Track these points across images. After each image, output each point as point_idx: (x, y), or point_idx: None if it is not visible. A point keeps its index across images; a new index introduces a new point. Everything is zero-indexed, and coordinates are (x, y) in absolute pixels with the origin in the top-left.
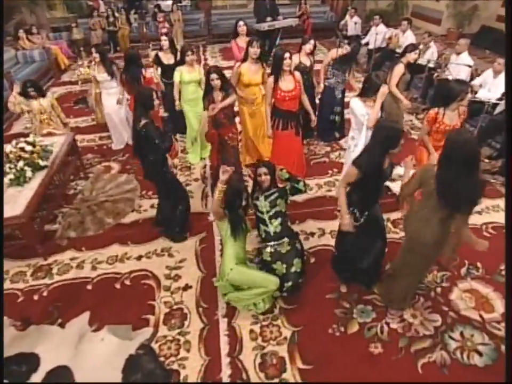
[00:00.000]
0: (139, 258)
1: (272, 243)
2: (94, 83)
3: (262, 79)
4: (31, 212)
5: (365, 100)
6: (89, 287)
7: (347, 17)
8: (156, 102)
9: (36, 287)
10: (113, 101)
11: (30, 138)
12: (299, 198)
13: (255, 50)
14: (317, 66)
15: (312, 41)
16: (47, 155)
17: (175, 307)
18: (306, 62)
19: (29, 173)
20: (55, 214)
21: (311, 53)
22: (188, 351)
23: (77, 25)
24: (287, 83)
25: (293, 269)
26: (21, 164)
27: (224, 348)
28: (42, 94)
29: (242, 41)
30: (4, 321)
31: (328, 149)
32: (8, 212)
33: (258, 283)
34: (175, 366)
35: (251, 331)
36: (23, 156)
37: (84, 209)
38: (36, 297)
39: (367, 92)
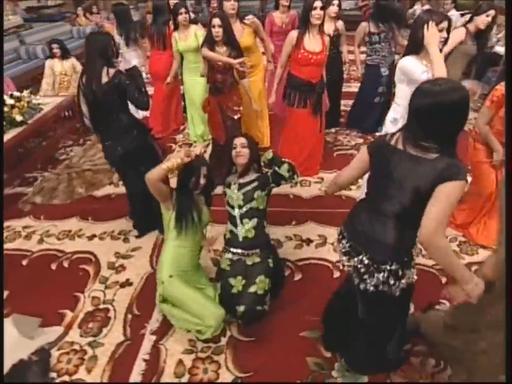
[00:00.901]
0: (91, 237)
1: (239, 251)
2: None
3: (251, 40)
4: None
5: (420, 58)
6: (24, 262)
7: (417, 5)
8: None
9: None
10: (128, 66)
11: (17, 93)
12: (305, 193)
13: (231, 4)
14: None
15: (336, 1)
16: (31, 112)
17: (101, 306)
18: (330, 29)
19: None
20: (35, 177)
21: (337, 17)
22: (89, 371)
23: (137, 8)
24: (314, 42)
25: (251, 289)
26: None
27: (135, 379)
28: (67, 56)
29: None
30: None
31: (361, 140)
32: None
33: (192, 311)
34: None
35: (179, 362)
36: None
37: (63, 176)
38: None
39: (416, 46)
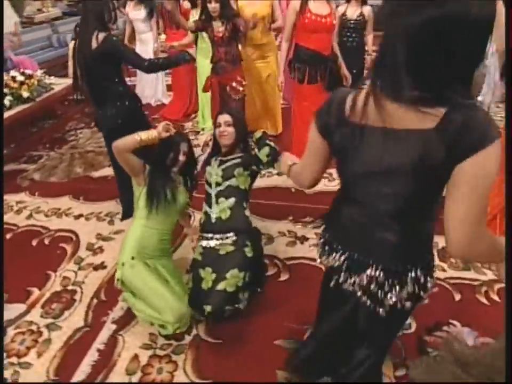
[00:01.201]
0: (78, 217)
1: (210, 235)
2: (128, 24)
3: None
4: None
5: None
6: (8, 236)
7: None
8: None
9: None
10: (148, 49)
11: (29, 72)
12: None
13: None
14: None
15: None
16: (41, 90)
17: (70, 287)
18: (353, 14)
19: (6, 102)
20: (41, 155)
21: (364, 1)
22: (39, 356)
23: None
24: (320, 6)
25: (220, 286)
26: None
27: (83, 370)
28: None
29: None
30: None
31: None
32: None
33: (151, 303)
34: (9, 371)
35: (134, 358)
36: (11, 85)
37: (67, 156)
38: None
39: None
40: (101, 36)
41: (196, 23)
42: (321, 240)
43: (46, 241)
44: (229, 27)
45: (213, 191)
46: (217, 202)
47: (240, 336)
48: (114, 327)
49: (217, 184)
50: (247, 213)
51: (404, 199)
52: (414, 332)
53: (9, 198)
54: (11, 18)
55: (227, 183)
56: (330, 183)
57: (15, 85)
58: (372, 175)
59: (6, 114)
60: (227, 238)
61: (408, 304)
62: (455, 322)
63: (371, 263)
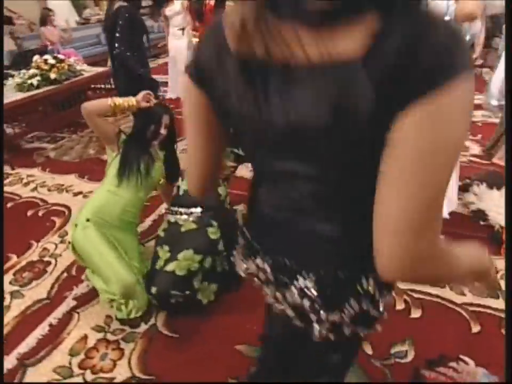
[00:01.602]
0: (77, 194)
1: (175, 208)
2: (165, 21)
3: None
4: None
5: None
6: (9, 205)
7: None
8: None
9: None
10: (180, 43)
11: (62, 57)
12: None
13: None
14: None
15: None
16: (70, 75)
17: (46, 258)
18: None
19: (34, 82)
20: (63, 137)
21: None
22: None
23: None
24: None
25: (168, 267)
26: (31, 71)
27: (28, 343)
28: None
29: None
30: None
31: None
32: None
33: (98, 270)
34: None
35: (82, 338)
36: (42, 66)
37: (85, 138)
38: None
39: None
40: (117, 4)
41: None
42: (241, 242)
43: (40, 213)
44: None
45: None
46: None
47: (199, 333)
48: (73, 303)
49: None
50: (222, 191)
51: (331, 174)
52: (410, 362)
53: (22, 171)
54: (69, 17)
55: None
56: None
57: (46, 67)
58: (280, 141)
59: (33, 92)
60: (191, 213)
61: (352, 329)
62: (467, 359)
63: (301, 270)
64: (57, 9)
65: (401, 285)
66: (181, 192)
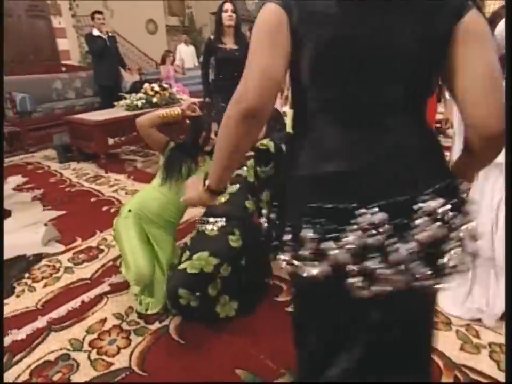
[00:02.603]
0: (135, 191)
1: (204, 218)
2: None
3: None
4: (103, 124)
5: None
6: (93, 199)
7: None
8: None
9: (74, 182)
10: None
11: (166, 85)
12: None
13: None
14: None
15: None
16: (168, 100)
17: (102, 247)
18: None
19: (139, 103)
20: (154, 153)
21: None
22: (44, 286)
23: None
24: None
25: (182, 265)
26: (138, 95)
27: (58, 312)
28: None
29: None
30: None
31: None
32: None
33: (124, 257)
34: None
35: (102, 321)
36: (148, 92)
37: None
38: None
39: None
40: None
41: None
42: (312, 231)
43: (112, 210)
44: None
45: None
46: None
47: (205, 346)
48: (107, 288)
49: None
50: (249, 205)
51: (415, 94)
52: None
53: (112, 176)
54: (189, 59)
55: (236, 171)
56: None
57: (151, 93)
58: (373, 63)
59: (136, 112)
60: (217, 222)
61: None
62: None
63: (418, 195)
64: (185, 54)
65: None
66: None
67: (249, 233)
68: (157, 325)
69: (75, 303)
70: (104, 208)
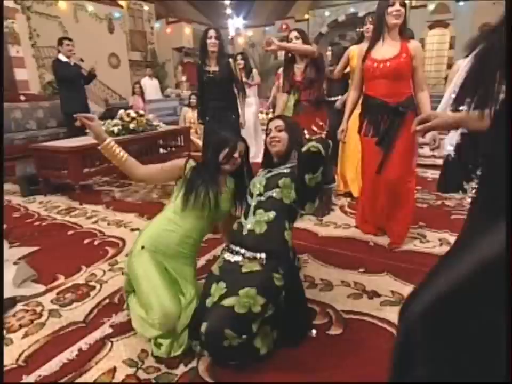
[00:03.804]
0: (134, 230)
1: (237, 248)
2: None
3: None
4: (78, 151)
5: None
6: (70, 232)
7: None
8: None
9: (44, 215)
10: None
11: (142, 112)
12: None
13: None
14: None
15: None
16: (146, 127)
17: (91, 283)
18: None
19: (115, 129)
20: (131, 183)
21: None
22: (24, 336)
23: None
24: (386, 49)
25: (226, 302)
26: (114, 121)
27: (51, 365)
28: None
29: None
30: None
31: None
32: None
33: (142, 296)
34: None
35: (110, 371)
36: (124, 118)
37: (151, 185)
38: (24, 218)
39: None
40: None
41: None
42: None
43: (96, 243)
44: (309, 68)
45: (253, 202)
46: (254, 214)
47: None
48: (109, 331)
49: (259, 194)
50: (288, 236)
51: None
52: None
53: (88, 207)
54: (152, 92)
55: (269, 193)
56: (422, 244)
57: (127, 119)
58: None
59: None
60: (255, 258)
61: None
62: None
63: None
64: (149, 87)
65: None
66: (244, 232)
67: (290, 270)
68: (182, 369)
69: (70, 353)
70: (86, 241)
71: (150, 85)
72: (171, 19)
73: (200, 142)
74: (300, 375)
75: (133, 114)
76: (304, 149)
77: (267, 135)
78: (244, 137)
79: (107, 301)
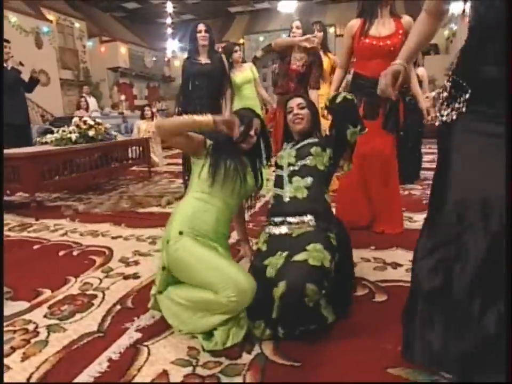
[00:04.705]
0: (116, 237)
1: (280, 219)
2: None
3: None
4: (36, 157)
5: None
6: (36, 246)
7: None
8: None
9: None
10: None
11: (100, 121)
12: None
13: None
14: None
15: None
16: (106, 136)
17: (89, 292)
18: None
19: (73, 137)
20: (89, 197)
21: (417, 64)
22: (24, 359)
23: None
24: (383, 27)
25: (298, 257)
26: (71, 128)
27: (81, 379)
28: (152, 117)
29: None
30: None
31: None
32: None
33: (203, 278)
34: None
35: (161, 374)
36: (81, 126)
37: (116, 197)
38: None
39: None
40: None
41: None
42: None
43: (75, 253)
44: (309, 60)
45: (285, 172)
46: (290, 182)
47: (328, 359)
48: (138, 336)
49: (290, 164)
50: (328, 199)
51: None
52: None
53: (48, 221)
54: (92, 109)
55: (302, 162)
56: (412, 223)
57: (84, 126)
58: None
59: (68, 147)
60: (303, 222)
61: None
62: None
63: None
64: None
65: None
66: (286, 200)
67: (340, 231)
68: (247, 357)
69: (99, 365)
70: (62, 253)
71: (90, 103)
72: (105, 38)
73: (156, 159)
74: (371, 337)
75: (90, 121)
76: (339, 100)
77: (289, 113)
78: (258, 115)
79: (118, 307)
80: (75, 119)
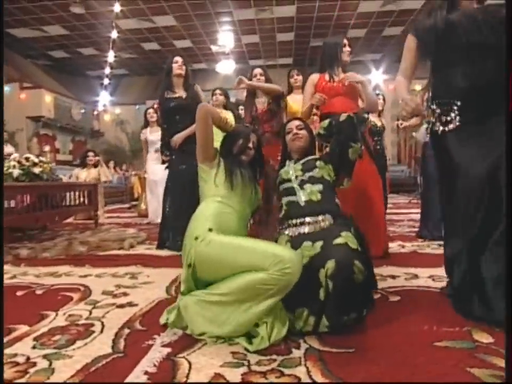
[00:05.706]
0: (84, 276)
1: (299, 220)
2: (144, 146)
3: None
4: None
5: None
6: None
7: None
8: None
9: None
10: (159, 166)
11: (45, 160)
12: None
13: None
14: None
15: (381, 96)
16: (51, 176)
17: (81, 322)
18: (377, 121)
19: (15, 172)
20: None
21: (382, 111)
22: None
23: None
24: (337, 76)
25: (337, 240)
26: (11, 163)
27: None
28: (95, 165)
29: None
30: None
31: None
32: None
33: (246, 260)
34: None
35: (216, 376)
36: (22, 162)
37: (64, 242)
38: None
39: None
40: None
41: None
42: None
43: (38, 292)
44: (272, 101)
45: (295, 183)
46: (302, 188)
47: (377, 341)
48: (168, 350)
49: (297, 176)
50: (337, 201)
51: None
52: None
53: None
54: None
55: (310, 173)
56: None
57: (27, 163)
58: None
59: (14, 183)
60: (322, 221)
61: None
62: None
63: None
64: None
65: None
66: (302, 204)
67: (357, 232)
68: (298, 352)
69: (136, 379)
70: (20, 293)
71: (7, 152)
72: (26, 84)
73: (144, 206)
74: (402, 325)
75: (34, 158)
76: (342, 118)
77: (288, 133)
78: (255, 129)
79: (127, 330)
80: (14, 156)
